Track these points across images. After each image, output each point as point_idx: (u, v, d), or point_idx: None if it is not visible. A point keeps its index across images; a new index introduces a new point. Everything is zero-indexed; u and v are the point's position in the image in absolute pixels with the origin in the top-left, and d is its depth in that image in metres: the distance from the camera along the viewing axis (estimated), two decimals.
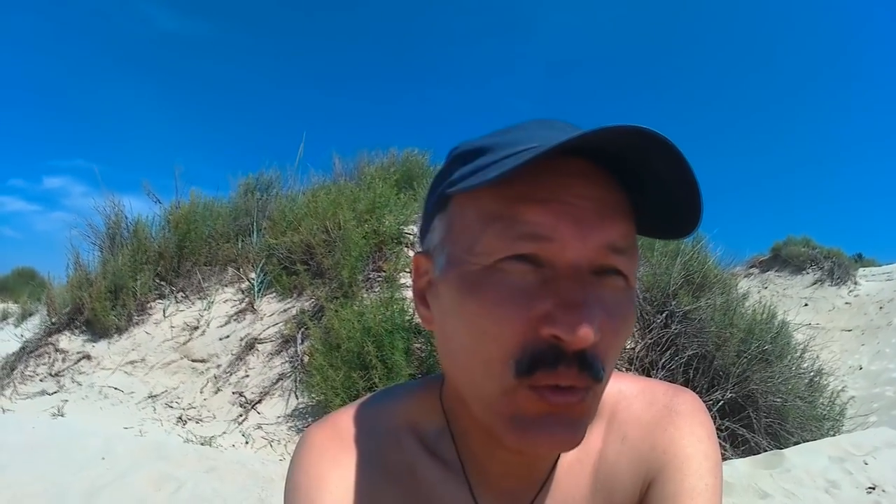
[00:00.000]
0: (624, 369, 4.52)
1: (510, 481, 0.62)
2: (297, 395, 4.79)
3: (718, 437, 3.17)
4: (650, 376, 3.92)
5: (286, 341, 5.34)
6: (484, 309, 0.49)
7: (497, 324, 0.49)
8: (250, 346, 5.42)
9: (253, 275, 6.22)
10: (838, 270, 11.76)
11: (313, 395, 4.46)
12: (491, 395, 0.51)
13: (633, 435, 0.65)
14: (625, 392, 0.68)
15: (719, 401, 4.26)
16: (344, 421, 0.67)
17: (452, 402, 0.63)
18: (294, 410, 4.67)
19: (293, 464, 0.65)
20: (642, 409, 0.66)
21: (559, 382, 0.47)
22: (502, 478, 0.62)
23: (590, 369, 0.47)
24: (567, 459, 0.64)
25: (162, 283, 6.42)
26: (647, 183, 0.50)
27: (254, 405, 4.81)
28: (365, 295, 5.26)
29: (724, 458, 3.61)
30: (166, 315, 6.05)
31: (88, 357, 5.67)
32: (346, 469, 0.62)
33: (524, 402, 0.49)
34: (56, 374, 5.52)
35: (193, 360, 5.51)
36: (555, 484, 0.63)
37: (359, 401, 0.71)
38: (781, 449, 3.46)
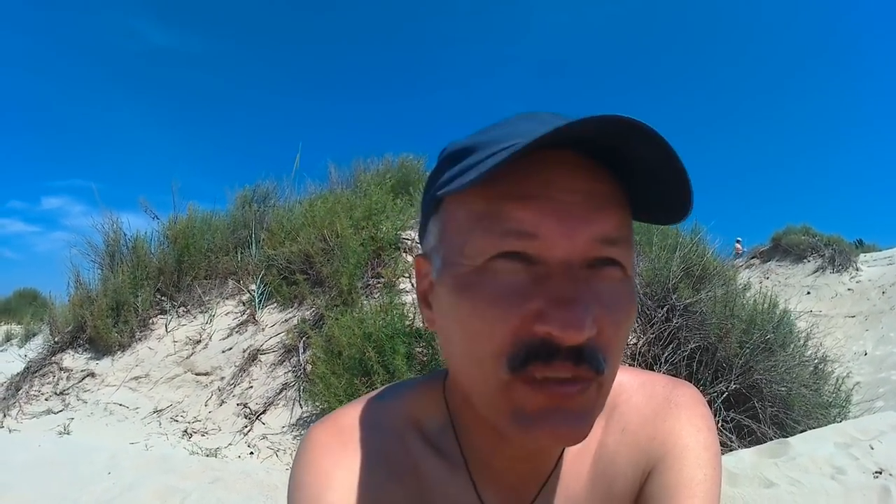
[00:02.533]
0: (627, 364, 4.51)
1: (514, 476, 0.62)
2: (300, 404, 4.78)
3: (724, 428, 3.17)
4: (653, 371, 3.92)
5: (288, 351, 5.34)
6: (476, 310, 0.49)
7: (489, 324, 0.49)
8: (253, 357, 5.42)
9: (253, 286, 6.23)
10: (839, 257, 11.75)
11: (317, 404, 4.46)
12: (490, 393, 0.51)
13: (634, 426, 0.65)
14: (626, 385, 0.68)
15: (723, 392, 4.25)
16: (347, 419, 0.67)
17: (455, 397, 0.64)
18: (298, 419, 4.66)
19: (297, 462, 0.65)
20: (643, 402, 0.67)
21: (557, 374, 0.47)
22: (506, 473, 0.62)
23: (589, 362, 0.47)
24: (570, 452, 0.64)
25: (163, 298, 6.42)
26: (637, 171, 0.49)
27: (258, 416, 4.80)
28: (365, 301, 5.26)
29: (731, 449, 3.60)
30: (168, 330, 6.05)
31: (92, 374, 5.67)
32: (349, 467, 0.62)
33: (522, 397, 0.49)
34: (61, 393, 5.52)
35: (197, 374, 5.51)
36: (555, 474, 0.63)
37: (362, 398, 0.71)
38: (788, 438, 3.45)
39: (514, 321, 0.48)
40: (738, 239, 13.88)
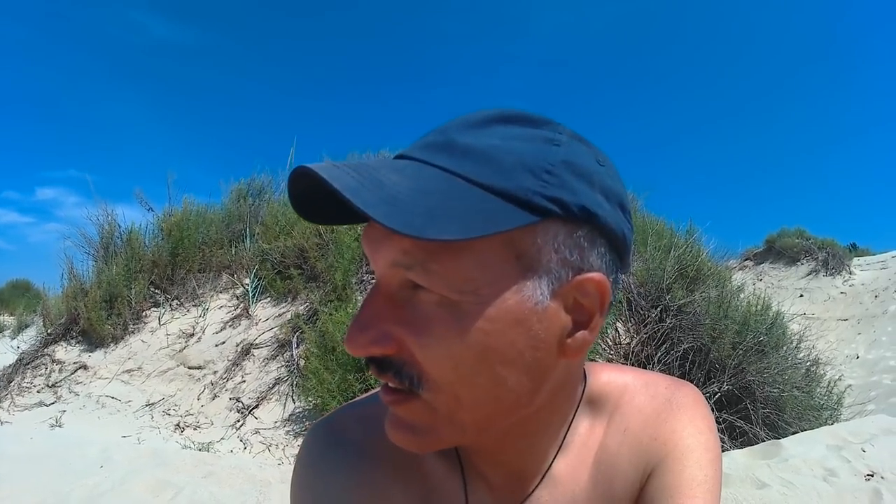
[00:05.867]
0: (620, 364, 4.52)
1: (500, 476, 0.62)
2: (293, 399, 4.78)
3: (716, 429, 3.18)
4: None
5: (282, 346, 5.34)
6: None
7: None
8: (246, 351, 5.42)
9: (247, 280, 6.22)
10: (833, 260, 11.77)
11: (310, 399, 4.46)
12: None
13: (635, 426, 0.65)
14: (629, 385, 0.69)
15: (716, 393, 4.27)
16: (350, 417, 0.67)
17: None
18: (291, 415, 4.66)
19: (299, 460, 0.65)
20: (645, 402, 0.67)
21: (376, 379, 0.53)
22: (492, 472, 0.62)
23: (394, 374, 0.50)
24: (568, 452, 0.64)
25: (156, 291, 6.40)
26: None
27: (251, 410, 4.80)
28: (359, 297, 5.26)
29: (723, 450, 3.61)
30: (162, 323, 6.04)
31: (85, 367, 5.65)
32: (352, 466, 0.62)
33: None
34: (53, 385, 5.50)
35: (190, 367, 5.50)
36: (553, 477, 0.63)
37: (364, 396, 0.71)
38: (780, 440, 3.47)
39: None
40: None
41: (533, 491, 0.63)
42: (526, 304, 0.49)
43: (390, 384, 0.51)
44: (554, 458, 0.63)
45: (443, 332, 0.48)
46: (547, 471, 0.63)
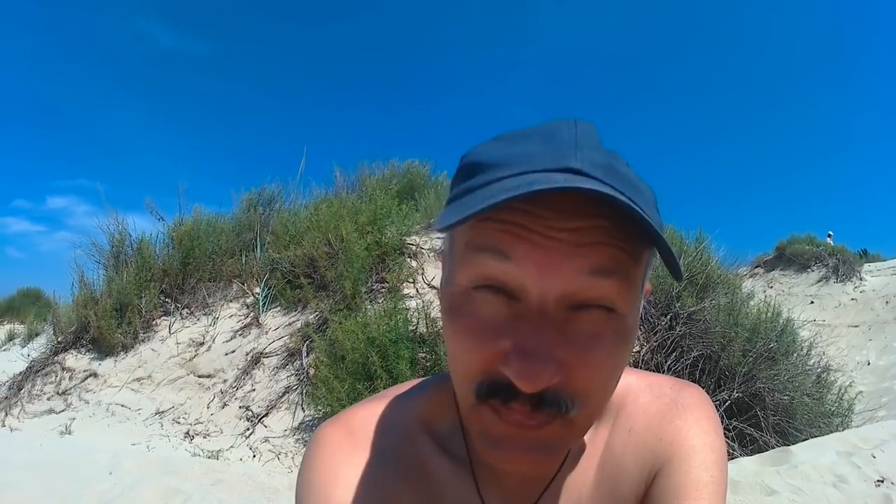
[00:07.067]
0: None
1: (517, 478, 0.63)
2: (303, 408, 4.79)
3: (726, 437, 3.15)
4: None
5: (291, 354, 5.35)
6: (458, 335, 0.51)
7: (465, 351, 0.50)
8: (256, 360, 5.43)
9: (257, 289, 6.24)
10: (843, 267, 11.69)
11: (319, 408, 4.46)
12: (465, 409, 0.53)
13: (640, 427, 0.65)
14: (633, 387, 0.68)
15: (726, 400, 4.24)
16: (357, 418, 0.67)
17: None
18: (301, 423, 4.67)
19: (306, 459, 0.65)
20: (649, 402, 0.67)
21: (511, 415, 0.49)
22: (509, 475, 0.63)
23: (549, 406, 0.48)
24: (574, 453, 0.64)
25: (167, 299, 6.43)
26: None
27: (260, 419, 4.81)
28: (368, 306, 5.27)
29: (732, 458, 3.59)
30: (172, 331, 6.06)
31: (95, 375, 5.68)
32: (358, 466, 0.62)
33: (488, 421, 0.50)
34: (63, 393, 5.52)
35: (200, 376, 5.51)
36: (560, 477, 0.64)
37: (372, 398, 0.71)
38: (790, 446, 3.44)
39: (485, 355, 0.49)
40: (830, 233, 13.62)
41: (543, 493, 0.63)
42: (639, 312, 0.53)
43: (539, 416, 0.48)
44: (565, 458, 0.63)
45: (611, 346, 0.49)
46: (557, 471, 0.63)
